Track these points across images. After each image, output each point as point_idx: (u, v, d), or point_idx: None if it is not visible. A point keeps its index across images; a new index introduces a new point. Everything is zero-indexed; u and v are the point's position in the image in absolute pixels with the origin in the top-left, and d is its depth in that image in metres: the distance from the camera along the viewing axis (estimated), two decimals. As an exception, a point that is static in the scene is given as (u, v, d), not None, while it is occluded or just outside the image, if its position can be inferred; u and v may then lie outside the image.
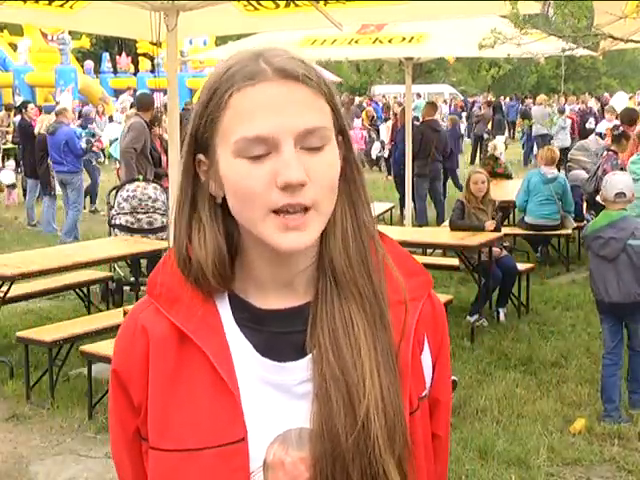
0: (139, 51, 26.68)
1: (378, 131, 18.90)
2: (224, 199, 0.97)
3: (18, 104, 16.64)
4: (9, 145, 15.71)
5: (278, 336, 0.98)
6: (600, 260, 4.56)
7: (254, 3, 5.22)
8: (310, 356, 0.97)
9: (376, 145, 17.82)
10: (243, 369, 0.96)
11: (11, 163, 14.30)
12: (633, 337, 4.65)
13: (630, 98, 22.61)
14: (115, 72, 30.02)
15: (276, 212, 0.91)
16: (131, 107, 15.64)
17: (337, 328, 0.96)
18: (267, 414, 0.96)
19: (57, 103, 17.74)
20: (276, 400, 0.96)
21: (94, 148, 11.51)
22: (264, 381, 0.96)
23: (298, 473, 0.95)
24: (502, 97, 29.80)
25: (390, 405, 0.95)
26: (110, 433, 1.07)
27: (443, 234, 7.12)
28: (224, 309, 0.99)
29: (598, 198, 7.56)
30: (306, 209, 0.91)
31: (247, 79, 0.91)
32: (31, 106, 13.60)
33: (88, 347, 4.88)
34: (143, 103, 8.29)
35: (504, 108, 23.25)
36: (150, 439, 0.98)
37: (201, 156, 0.97)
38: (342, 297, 0.98)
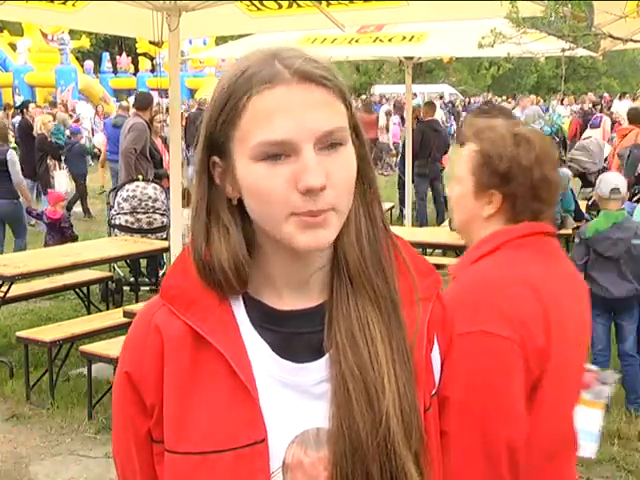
0: (139, 51, 26.67)
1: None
2: (239, 200, 0.96)
3: (18, 104, 16.66)
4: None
5: (295, 337, 0.98)
6: (604, 260, 4.64)
7: (257, 3, 5.21)
8: (327, 356, 0.97)
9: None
10: (260, 370, 0.96)
11: None
12: (626, 338, 4.73)
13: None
14: (115, 72, 30.02)
15: (295, 214, 0.91)
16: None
17: (353, 327, 0.96)
18: (285, 415, 0.96)
19: (52, 103, 17.77)
20: (293, 401, 0.96)
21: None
22: (281, 382, 0.96)
23: (316, 473, 0.95)
24: (497, 98, 29.59)
25: (406, 401, 0.96)
26: (115, 436, 1.06)
27: (443, 234, 7.12)
28: (239, 310, 0.99)
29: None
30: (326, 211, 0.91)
31: (265, 82, 0.90)
32: (32, 106, 13.60)
33: (88, 347, 4.89)
34: (142, 102, 8.28)
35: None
36: (166, 442, 0.97)
37: (216, 158, 0.96)
38: (357, 295, 0.98)
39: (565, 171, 9.16)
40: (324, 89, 0.91)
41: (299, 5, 5.11)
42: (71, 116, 17.30)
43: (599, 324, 4.76)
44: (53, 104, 17.55)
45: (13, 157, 8.09)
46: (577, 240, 4.87)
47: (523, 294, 1.46)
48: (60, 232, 7.64)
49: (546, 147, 1.57)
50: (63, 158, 11.46)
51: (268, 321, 0.98)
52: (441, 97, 28.02)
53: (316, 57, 0.94)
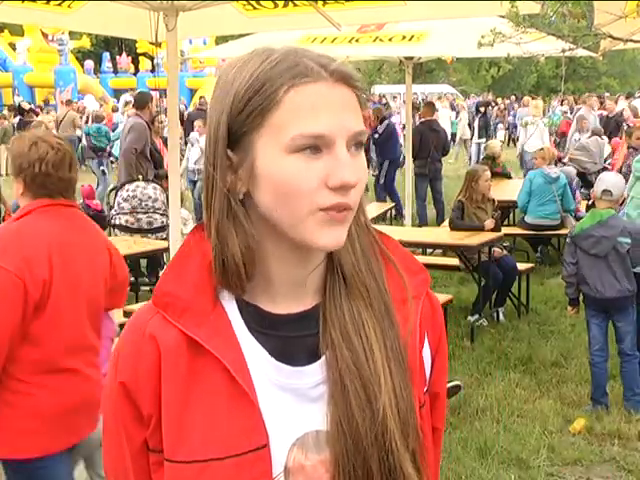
0: (139, 51, 26.69)
1: None
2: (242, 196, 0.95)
3: (16, 105, 16.72)
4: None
5: (291, 340, 0.98)
6: (591, 258, 4.65)
7: (253, 3, 5.20)
8: (323, 358, 0.97)
9: None
10: (259, 375, 0.95)
11: None
12: (623, 338, 4.72)
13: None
14: (115, 72, 30.05)
15: (323, 209, 0.91)
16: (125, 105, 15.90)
17: (348, 327, 0.97)
18: (285, 419, 0.95)
19: (68, 101, 17.77)
20: (292, 404, 0.96)
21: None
22: (279, 386, 0.96)
23: (318, 476, 0.95)
24: (494, 99, 29.36)
25: (402, 400, 0.96)
26: (108, 447, 1.04)
27: (443, 234, 7.12)
28: (234, 315, 0.98)
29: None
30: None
31: (305, 76, 0.90)
32: (30, 107, 13.66)
33: (88, 347, 4.87)
34: (141, 101, 8.29)
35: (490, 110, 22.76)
36: (165, 451, 0.96)
37: (228, 150, 0.94)
38: (350, 296, 0.98)
39: (569, 169, 9.19)
40: (352, 92, 0.94)
41: (295, 4, 5.10)
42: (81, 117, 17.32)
43: (594, 324, 4.77)
44: (69, 102, 17.45)
45: None
46: (568, 239, 4.90)
47: (35, 241, 2.35)
48: (101, 223, 7.85)
49: (55, 152, 2.44)
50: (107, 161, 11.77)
51: (264, 325, 0.98)
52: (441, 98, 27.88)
53: (346, 61, 0.96)
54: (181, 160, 8.94)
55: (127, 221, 7.27)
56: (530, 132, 13.40)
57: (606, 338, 4.79)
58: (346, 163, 0.90)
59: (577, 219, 8.30)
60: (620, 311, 4.70)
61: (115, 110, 17.18)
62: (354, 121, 0.92)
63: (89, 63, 28.25)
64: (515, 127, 21.24)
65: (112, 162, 13.53)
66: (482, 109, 18.94)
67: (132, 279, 7.23)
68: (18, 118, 15.15)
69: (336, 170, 0.89)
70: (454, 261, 7.02)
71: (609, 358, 4.85)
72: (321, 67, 0.91)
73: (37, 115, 15.72)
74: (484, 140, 17.60)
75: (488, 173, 6.74)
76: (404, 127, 16.22)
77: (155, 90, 11.24)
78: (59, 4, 4.91)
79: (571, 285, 4.82)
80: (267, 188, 0.92)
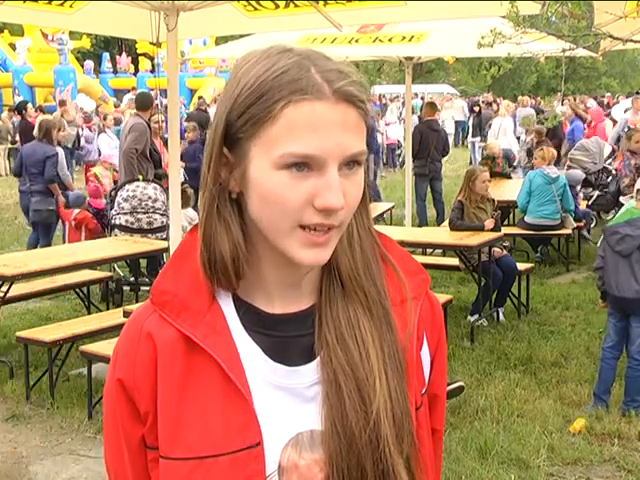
0: (139, 51, 26.68)
1: None
2: (237, 195, 0.96)
3: (16, 105, 16.72)
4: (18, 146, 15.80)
5: (287, 340, 0.98)
6: (615, 255, 4.62)
7: (254, 3, 5.22)
8: (318, 358, 0.97)
9: None
10: (254, 374, 0.96)
11: None
12: (634, 341, 4.67)
13: None
14: (115, 72, 30.02)
15: (303, 227, 0.90)
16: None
17: (343, 329, 0.97)
18: (279, 418, 0.96)
19: (61, 102, 17.77)
20: (287, 404, 0.96)
21: None
22: (275, 385, 0.96)
23: (312, 475, 0.96)
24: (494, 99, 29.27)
25: (398, 406, 0.96)
26: (108, 443, 1.05)
27: (443, 234, 7.12)
28: (231, 314, 0.98)
29: (621, 198, 7.68)
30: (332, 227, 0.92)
31: (304, 93, 0.88)
32: (29, 106, 13.68)
33: (88, 347, 4.89)
34: (142, 103, 8.29)
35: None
36: (161, 448, 0.97)
37: (225, 150, 0.94)
38: (347, 299, 0.98)
39: (575, 172, 9.20)
40: (356, 111, 0.91)
41: (296, 5, 5.11)
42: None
43: (611, 323, 4.73)
44: (62, 102, 17.47)
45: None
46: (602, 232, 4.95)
47: None
48: (100, 222, 7.96)
49: None
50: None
51: (260, 325, 0.98)
52: (460, 95, 27.99)
53: (351, 72, 0.93)
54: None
55: (127, 221, 7.27)
56: (495, 130, 13.71)
57: (621, 338, 4.73)
58: (334, 187, 0.88)
59: (577, 220, 8.36)
60: (637, 313, 4.61)
61: (117, 106, 17.32)
62: (353, 142, 0.90)
63: (89, 63, 28.21)
64: None
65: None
66: (476, 108, 19.14)
67: (132, 279, 7.24)
68: (19, 117, 15.14)
69: (323, 192, 0.89)
70: (454, 261, 7.02)
71: (619, 357, 4.80)
72: (326, 83, 0.89)
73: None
74: (478, 139, 17.77)
75: (486, 174, 6.74)
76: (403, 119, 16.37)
77: (157, 90, 11.24)
78: (61, 4, 4.92)
79: (600, 278, 4.81)
80: (255, 196, 0.92)
